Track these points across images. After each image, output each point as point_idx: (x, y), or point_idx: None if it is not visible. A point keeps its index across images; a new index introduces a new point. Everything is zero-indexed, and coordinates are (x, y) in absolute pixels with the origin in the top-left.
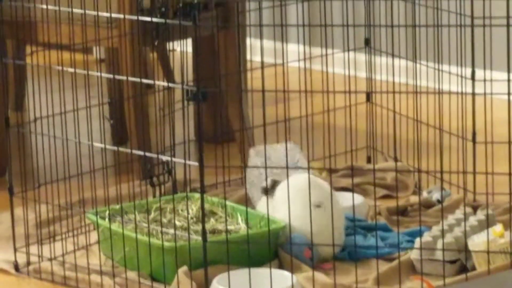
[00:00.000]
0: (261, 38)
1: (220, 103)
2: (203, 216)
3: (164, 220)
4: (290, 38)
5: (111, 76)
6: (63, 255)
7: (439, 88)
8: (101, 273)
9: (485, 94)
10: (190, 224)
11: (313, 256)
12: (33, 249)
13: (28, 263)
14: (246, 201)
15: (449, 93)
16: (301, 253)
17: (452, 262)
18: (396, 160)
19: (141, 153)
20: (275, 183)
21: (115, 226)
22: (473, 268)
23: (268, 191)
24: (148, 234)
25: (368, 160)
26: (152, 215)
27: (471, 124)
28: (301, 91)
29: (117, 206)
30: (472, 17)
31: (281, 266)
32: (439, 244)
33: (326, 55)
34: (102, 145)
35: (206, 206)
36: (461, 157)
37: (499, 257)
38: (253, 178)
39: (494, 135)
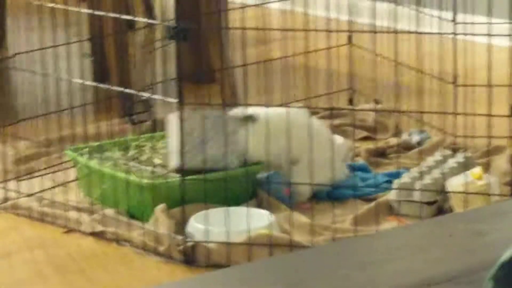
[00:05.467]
0: None
1: (201, 42)
2: (181, 154)
3: (143, 158)
4: None
5: (90, 11)
6: (41, 191)
7: (418, 30)
8: (78, 209)
9: (465, 34)
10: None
11: (291, 194)
12: (12, 185)
13: (6, 199)
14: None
15: (430, 33)
16: (280, 191)
17: (430, 203)
18: (376, 102)
19: (120, 89)
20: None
21: (94, 163)
22: (451, 210)
23: (251, 118)
24: (127, 171)
25: (350, 102)
26: (131, 153)
27: (451, 67)
28: (282, 31)
29: (96, 144)
30: None
31: (259, 205)
32: (417, 185)
33: None
34: (81, 81)
35: None
36: (441, 99)
37: (477, 199)
38: (190, 147)
39: (474, 79)
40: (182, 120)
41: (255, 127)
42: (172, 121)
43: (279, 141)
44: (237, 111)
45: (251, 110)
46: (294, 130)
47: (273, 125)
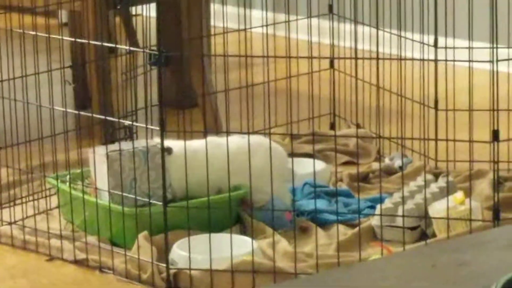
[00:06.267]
0: (223, 2)
1: (183, 68)
2: (164, 181)
3: (125, 185)
4: (255, 3)
5: (72, 39)
6: (23, 219)
7: (400, 55)
8: (61, 237)
9: (446, 60)
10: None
11: (294, 219)
12: None
13: None
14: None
15: (412, 59)
16: (282, 216)
17: (413, 228)
18: (358, 126)
19: (102, 117)
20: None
21: (76, 191)
22: (434, 235)
23: (169, 150)
24: (109, 199)
25: (331, 127)
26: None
27: (433, 91)
28: (264, 56)
29: (78, 171)
30: None
31: (243, 232)
32: (400, 211)
33: (289, 21)
34: (63, 109)
35: None
36: (423, 124)
37: (459, 224)
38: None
39: (456, 103)
40: (111, 160)
41: (172, 159)
42: (99, 160)
43: (197, 172)
44: (155, 143)
45: (168, 143)
46: (218, 160)
47: (190, 156)
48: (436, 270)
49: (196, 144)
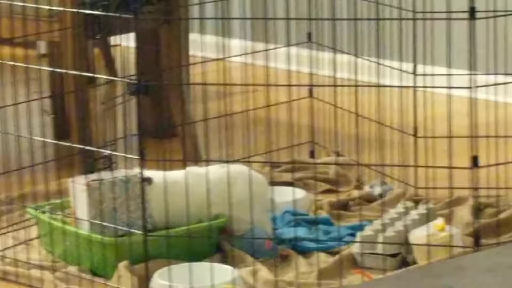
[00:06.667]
0: (202, 32)
1: (162, 97)
2: (144, 210)
3: (105, 214)
4: (233, 33)
5: (51, 69)
6: (3, 249)
7: (379, 83)
8: (41, 267)
9: (425, 87)
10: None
11: (275, 247)
12: None
13: None
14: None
15: (391, 86)
16: (262, 244)
17: (393, 255)
18: (338, 154)
19: (81, 146)
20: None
21: (56, 221)
22: (414, 262)
23: (149, 180)
24: (89, 228)
25: (311, 155)
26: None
27: (412, 118)
28: (243, 85)
29: (58, 201)
30: (414, 11)
31: (223, 260)
32: (380, 238)
33: (268, 50)
34: (43, 139)
35: None
36: (402, 151)
37: (440, 251)
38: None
39: (435, 130)
40: (91, 190)
41: (152, 189)
42: (79, 190)
43: (178, 202)
44: (135, 173)
45: (148, 173)
46: (198, 190)
47: (170, 186)
48: None
49: (176, 174)
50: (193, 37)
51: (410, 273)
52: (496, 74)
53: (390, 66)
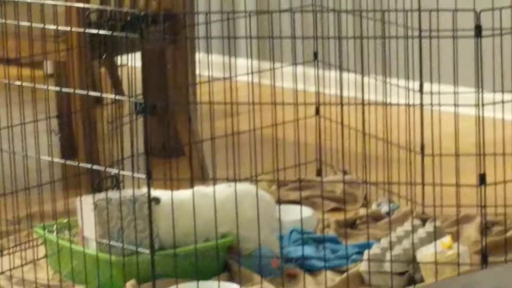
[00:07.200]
0: (208, 51)
1: (169, 117)
2: (151, 229)
3: (113, 234)
4: (239, 52)
5: (58, 89)
6: (10, 269)
7: (385, 101)
8: (48, 287)
9: (431, 105)
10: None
11: (282, 265)
12: None
13: None
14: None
15: (397, 105)
16: (269, 263)
17: (401, 274)
18: (345, 173)
19: (88, 166)
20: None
21: (63, 240)
22: (422, 280)
23: (156, 200)
24: (96, 248)
25: (318, 173)
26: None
27: (419, 137)
28: (250, 104)
29: (65, 220)
30: (420, 29)
31: (230, 279)
32: (388, 256)
33: (274, 69)
34: (49, 159)
35: None
36: (409, 169)
37: (447, 269)
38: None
39: (442, 148)
40: (98, 209)
41: (159, 209)
42: (86, 210)
43: (185, 222)
44: (142, 193)
45: (156, 192)
46: (205, 210)
47: (178, 206)
48: None
49: (184, 194)
50: (200, 56)
51: None
52: (503, 91)
53: (396, 85)
